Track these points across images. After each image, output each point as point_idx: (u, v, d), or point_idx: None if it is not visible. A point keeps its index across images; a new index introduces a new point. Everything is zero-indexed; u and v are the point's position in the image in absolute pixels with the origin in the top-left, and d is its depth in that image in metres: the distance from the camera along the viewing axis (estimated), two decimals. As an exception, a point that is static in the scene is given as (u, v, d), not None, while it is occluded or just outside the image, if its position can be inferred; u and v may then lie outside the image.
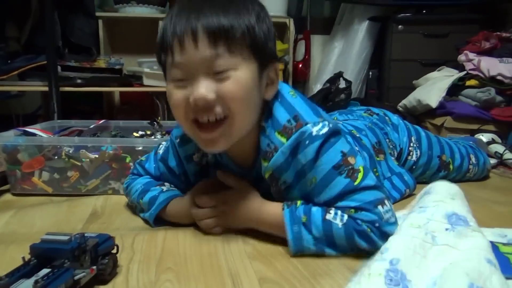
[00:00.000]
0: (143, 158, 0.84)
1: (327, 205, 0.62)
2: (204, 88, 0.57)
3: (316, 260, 0.60)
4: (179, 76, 0.59)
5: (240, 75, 0.58)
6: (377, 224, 0.58)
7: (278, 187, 0.67)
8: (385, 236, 0.56)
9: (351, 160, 0.62)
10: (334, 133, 0.62)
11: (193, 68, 0.58)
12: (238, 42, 0.58)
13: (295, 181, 0.65)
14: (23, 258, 0.49)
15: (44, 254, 0.49)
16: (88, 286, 0.50)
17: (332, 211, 0.60)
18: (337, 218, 0.59)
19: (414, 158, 0.99)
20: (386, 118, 1.02)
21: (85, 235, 0.53)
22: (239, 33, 0.57)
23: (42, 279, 0.44)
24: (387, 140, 0.95)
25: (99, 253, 0.53)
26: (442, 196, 0.59)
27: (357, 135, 0.86)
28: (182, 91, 0.59)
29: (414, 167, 1.00)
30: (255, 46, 0.59)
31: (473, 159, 1.06)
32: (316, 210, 0.61)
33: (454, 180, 1.03)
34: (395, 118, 1.03)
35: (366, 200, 0.59)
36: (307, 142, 0.61)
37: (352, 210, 0.59)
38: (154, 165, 0.80)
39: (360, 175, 0.60)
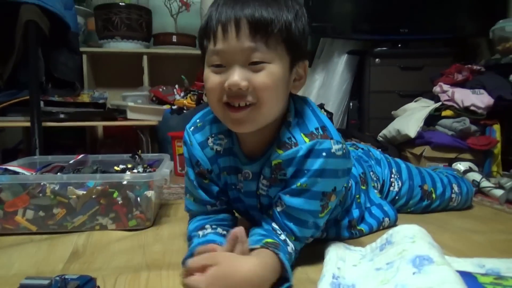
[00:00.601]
0: (186, 196, 0.82)
1: (285, 211, 0.68)
2: (239, 76, 0.61)
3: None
4: (218, 62, 0.63)
5: (273, 68, 0.63)
6: (299, 249, 0.71)
7: (276, 177, 0.70)
8: None
9: (332, 198, 0.69)
10: (345, 165, 0.69)
11: (231, 57, 0.62)
12: (275, 37, 0.62)
13: (289, 177, 0.69)
14: None
15: None
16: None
17: (287, 241, 0.67)
18: (290, 247, 0.67)
19: (396, 188, 1.03)
20: (370, 153, 1.06)
21: (66, 277, 0.52)
22: (277, 27, 0.61)
23: None
24: (371, 172, 0.99)
25: None
26: (403, 244, 0.63)
27: None
28: (218, 76, 0.64)
29: (397, 197, 1.03)
30: (290, 42, 0.64)
31: (456, 188, 1.09)
32: (283, 244, 0.66)
33: (438, 210, 1.08)
34: (377, 153, 1.08)
35: (306, 235, 0.70)
36: (323, 154, 0.65)
37: (293, 237, 0.68)
38: (192, 189, 0.78)
39: (325, 212, 0.69)
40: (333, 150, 0.66)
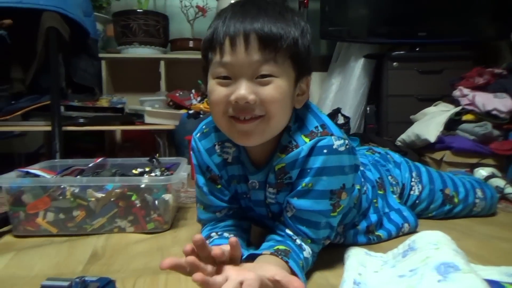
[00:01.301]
0: (197, 206, 0.81)
1: (296, 215, 0.67)
2: (246, 90, 0.61)
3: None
4: (224, 74, 0.63)
5: (280, 82, 0.62)
6: (318, 251, 0.70)
7: (282, 182, 0.69)
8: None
9: (343, 196, 0.68)
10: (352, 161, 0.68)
11: (239, 69, 0.61)
12: (283, 52, 0.62)
13: (295, 179, 0.68)
14: None
15: None
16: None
17: (303, 245, 0.67)
18: (306, 251, 0.67)
19: (416, 192, 1.01)
20: (388, 156, 1.04)
21: (86, 279, 0.52)
22: (286, 43, 0.61)
23: None
24: (390, 176, 0.97)
25: None
26: (427, 250, 0.61)
27: (362, 169, 0.89)
28: (224, 89, 0.63)
29: (417, 201, 1.01)
30: (297, 58, 0.64)
31: (479, 193, 1.06)
32: (298, 250, 0.65)
33: (461, 215, 1.05)
34: (397, 157, 1.06)
35: (321, 237, 0.69)
36: (324, 151, 0.65)
37: (309, 240, 0.68)
38: (203, 194, 0.77)
39: (338, 210, 0.68)
40: (335, 146, 0.65)
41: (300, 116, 0.70)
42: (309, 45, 0.66)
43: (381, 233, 0.86)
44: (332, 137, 0.66)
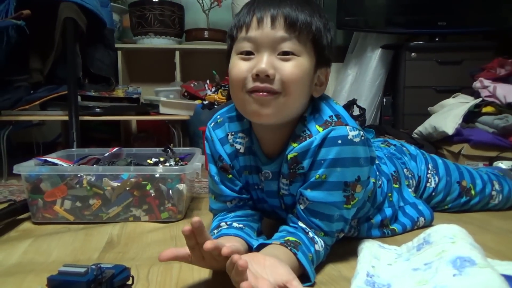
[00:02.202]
0: (209, 196, 0.82)
1: (309, 208, 0.66)
2: (268, 64, 0.62)
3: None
4: (248, 49, 0.65)
5: (301, 61, 0.64)
6: (331, 244, 0.70)
7: (294, 172, 0.68)
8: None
9: (358, 188, 0.67)
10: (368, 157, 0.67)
11: (263, 44, 0.63)
12: (307, 35, 0.64)
13: (307, 170, 0.67)
14: None
15: (61, 286, 0.50)
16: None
17: (315, 238, 0.66)
18: (319, 244, 0.66)
19: (433, 185, 0.99)
20: (404, 148, 1.03)
21: (101, 266, 0.53)
22: (309, 28, 0.64)
23: None
24: (405, 169, 0.95)
25: (115, 285, 0.53)
26: (442, 244, 0.60)
27: (377, 162, 0.88)
28: (246, 63, 0.65)
29: (433, 193, 1.00)
30: (318, 44, 0.66)
31: (497, 186, 1.04)
32: (309, 243, 0.65)
33: (477, 208, 1.03)
34: (412, 149, 1.04)
35: (334, 229, 0.68)
36: (339, 141, 0.64)
37: (322, 233, 0.67)
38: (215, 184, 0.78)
39: (352, 203, 0.67)
40: (349, 137, 0.64)
41: (316, 107, 0.70)
42: (331, 38, 0.68)
43: (395, 227, 0.85)
44: (347, 127, 0.65)
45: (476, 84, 1.74)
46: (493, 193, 1.03)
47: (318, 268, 0.67)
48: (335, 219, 0.67)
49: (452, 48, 2.14)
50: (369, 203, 0.80)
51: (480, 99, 1.69)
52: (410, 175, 0.96)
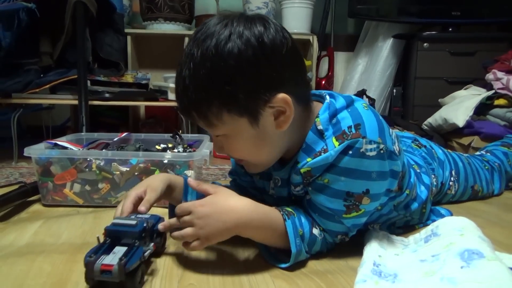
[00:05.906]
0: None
1: (310, 201, 0.67)
2: (216, 146, 0.68)
3: (338, 277, 0.60)
4: None
5: (236, 133, 0.62)
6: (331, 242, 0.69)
7: (309, 181, 0.65)
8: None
9: (364, 200, 0.64)
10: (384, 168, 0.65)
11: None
12: (215, 115, 0.60)
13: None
14: (98, 238, 0.59)
15: (116, 235, 0.59)
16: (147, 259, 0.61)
17: (316, 224, 0.66)
18: (317, 230, 0.66)
19: (453, 192, 1.00)
20: (433, 151, 0.98)
21: (143, 217, 0.63)
22: (212, 108, 0.59)
23: (124, 256, 0.53)
24: (433, 176, 0.92)
25: (154, 232, 0.64)
26: (450, 236, 0.60)
27: (418, 170, 0.86)
28: None
29: (451, 199, 1.02)
30: (235, 108, 0.59)
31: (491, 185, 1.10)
32: (305, 221, 0.65)
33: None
34: (440, 153, 1.00)
35: (332, 229, 0.67)
36: (350, 152, 0.61)
37: (321, 228, 0.67)
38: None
39: (353, 214, 0.65)
40: (362, 150, 0.61)
41: (336, 113, 0.65)
42: (254, 76, 0.58)
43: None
44: (364, 139, 0.61)
45: (489, 76, 1.71)
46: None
47: (324, 258, 0.67)
48: (332, 220, 0.65)
49: (466, 39, 2.10)
50: (396, 212, 0.76)
51: (492, 91, 1.67)
52: (435, 183, 0.93)
